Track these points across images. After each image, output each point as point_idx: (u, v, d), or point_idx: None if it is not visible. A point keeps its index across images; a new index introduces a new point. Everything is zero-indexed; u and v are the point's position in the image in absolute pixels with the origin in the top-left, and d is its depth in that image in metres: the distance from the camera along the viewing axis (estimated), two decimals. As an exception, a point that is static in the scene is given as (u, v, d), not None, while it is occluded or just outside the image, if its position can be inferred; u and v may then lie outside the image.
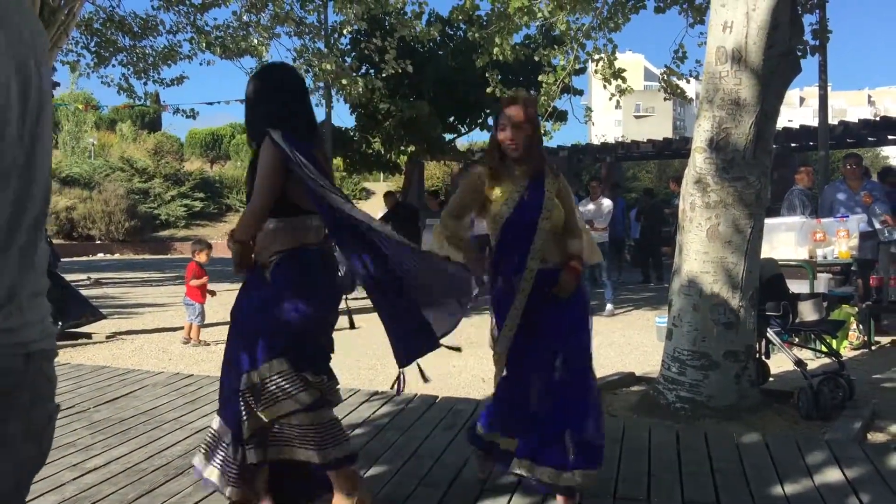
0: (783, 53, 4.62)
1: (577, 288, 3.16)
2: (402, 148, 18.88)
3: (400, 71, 12.08)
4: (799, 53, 5.36)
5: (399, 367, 2.95)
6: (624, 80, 10.14)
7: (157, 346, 7.72)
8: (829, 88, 12.72)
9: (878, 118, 21.15)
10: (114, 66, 11.59)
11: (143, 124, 45.69)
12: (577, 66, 10.59)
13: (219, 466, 2.91)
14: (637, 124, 75.24)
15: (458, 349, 3.09)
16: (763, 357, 5.15)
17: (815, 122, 15.40)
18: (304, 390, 2.83)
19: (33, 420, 1.16)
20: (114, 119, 44.46)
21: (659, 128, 62.67)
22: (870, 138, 20.13)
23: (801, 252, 7.15)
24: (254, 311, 2.90)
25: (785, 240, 7.23)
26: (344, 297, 3.24)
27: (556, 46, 10.73)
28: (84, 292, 8.97)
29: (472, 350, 7.37)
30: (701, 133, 4.69)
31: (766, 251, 5.58)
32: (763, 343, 5.11)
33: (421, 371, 3.02)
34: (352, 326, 3.33)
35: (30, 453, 1.17)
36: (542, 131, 3.30)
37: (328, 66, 11.08)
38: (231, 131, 45.60)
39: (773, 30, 4.47)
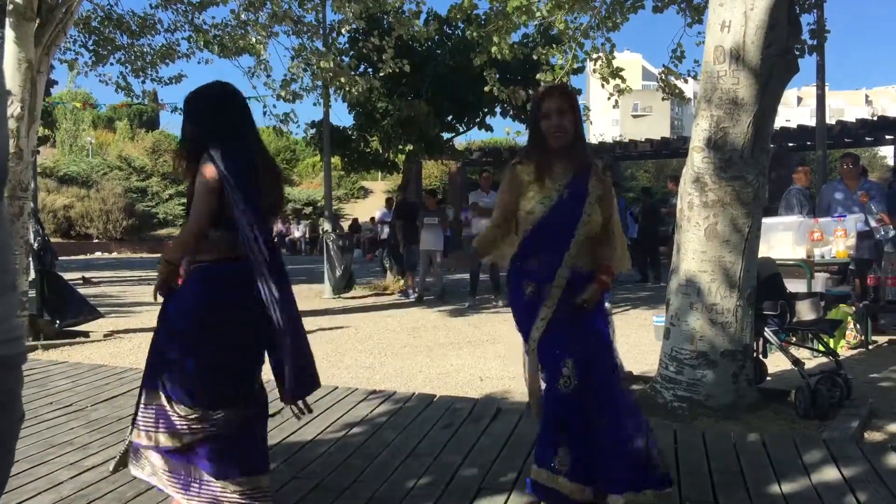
0: (781, 53, 4.63)
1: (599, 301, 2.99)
2: (400, 147, 18.86)
3: (398, 70, 12.07)
4: (797, 53, 5.36)
5: (285, 401, 2.90)
6: (622, 79, 10.14)
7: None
8: (826, 88, 12.75)
9: (875, 118, 21.19)
10: (112, 64, 11.56)
11: (140, 123, 45.65)
12: (575, 66, 10.57)
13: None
14: (635, 124, 75.26)
15: (309, 411, 3.00)
16: (760, 356, 5.16)
17: (812, 122, 15.44)
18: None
19: None
20: (112, 117, 44.43)
21: (657, 127, 62.69)
22: (867, 138, 20.18)
23: (799, 251, 7.16)
24: (167, 335, 2.89)
25: (782, 239, 7.24)
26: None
27: (554, 45, 10.72)
28: (80, 291, 8.97)
29: (470, 349, 7.38)
30: (699, 132, 4.69)
31: (764, 250, 5.58)
32: (761, 342, 5.12)
33: (306, 404, 2.97)
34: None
35: None
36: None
37: (326, 65, 11.06)
38: (229, 130, 45.50)
39: (771, 29, 4.48)
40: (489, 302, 11.10)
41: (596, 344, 2.92)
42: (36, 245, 7.69)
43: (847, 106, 76.73)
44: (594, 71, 10.45)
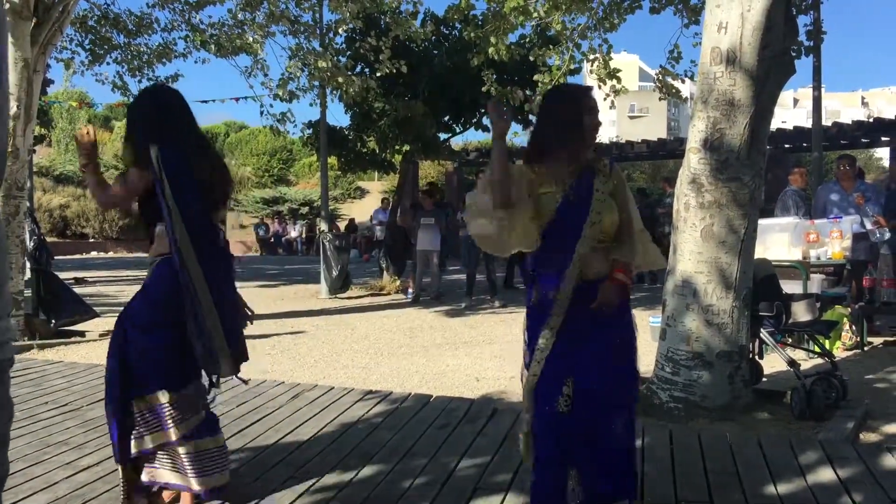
0: (777, 54, 4.64)
1: (622, 307, 2.77)
2: (397, 147, 18.84)
3: (395, 70, 12.06)
4: (793, 54, 5.38)
5: (206, 369, 3.04)
6: (619, 80, 10.14)
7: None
8: (822, 90, 12.76)
9: (871, 119, 21.20)
10: (108, 63, 11.52)
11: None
12: (572, 66, 10.57)
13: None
14: (631, 124, 75.29)
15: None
16: (756, 357, 5.17)
17: (808, 124, 15.45)
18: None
19: None
20: (108, 117, 44.33)
21: (653, 128, 62.78)
22: (863, 140, 20.17)
23: (795, 253, 7.17)
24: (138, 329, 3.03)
25: (778, 240, 7.25)
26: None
27: (551, 46, 10.72)
28: (76, 290, 8.95)
29: (466, 350, 7.38)
30: (695, 133, 4.70)
31: (760, 252, 5.59)
32: (756, 343, 5.13)
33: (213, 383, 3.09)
34: None
35: None
36: None
37: (323, 65, 11.05)
38: (226, 129, 45.48)
39: (768, 31, 4.48)
40: (486, 302, 11.10)
41: (604, 369, 2.70)
42: (32, 244, 7.67)
43: (843, 108, 76.89)
44: (591, 72, 10.46)
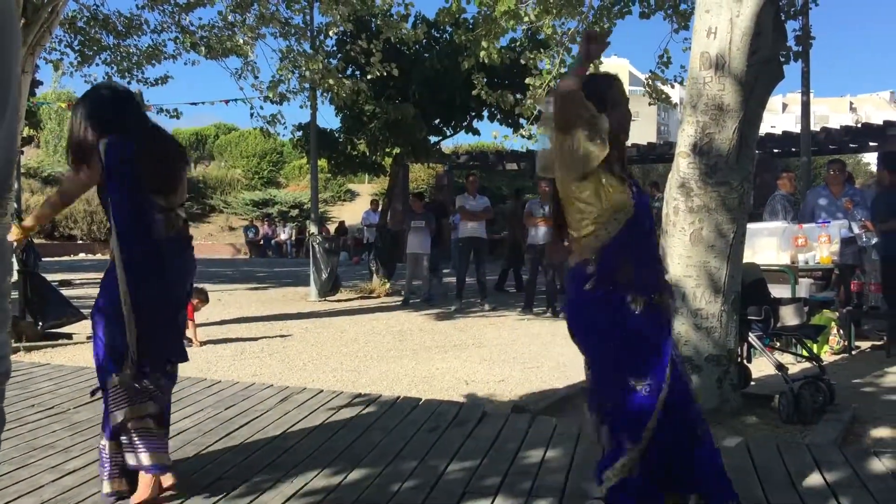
0: (766, 59, 4.66)
1: None
2: (388, 150, 18.86)
3: (385, 73, 12.07)
4: (782, 59, 5.40)
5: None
6: (609, 84, 10.17)
7: (138, 347, 7.64)
8: (811, 95, 12.83)
9: (859, 125, 21.37)
10: (97, 64, 11.49)
11: (126, 124, 45.23)
12: (562, 70, 10.59)
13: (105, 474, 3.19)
14: (622, 129, 75.34)
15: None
16: (744, 361, 5.18)
17: (797, 129, 15.51)
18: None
19: None
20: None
21: (643, 132, 62.82)
22: (851, 144, 20.32)
23: (783, 257, 7.20)
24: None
25: (767, 245, 7.29)
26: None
27: (542, 50, 10.75)
28: (63, 293, 8.89)
29: (455, 353, 7.38)
30: (685, 138, 4.71)
31: (749, 256, 5.61)
32: (745, 347, 5.14)
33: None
34: None
35: None
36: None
37: (314, 66, 11.04)
38: (215, 131, 45.33)
39: (757, 36, 4.50)
40: (475, 305, 11.10)
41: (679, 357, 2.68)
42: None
43: (831, 113, 77.33)
44: (581, 76, 10.47)
